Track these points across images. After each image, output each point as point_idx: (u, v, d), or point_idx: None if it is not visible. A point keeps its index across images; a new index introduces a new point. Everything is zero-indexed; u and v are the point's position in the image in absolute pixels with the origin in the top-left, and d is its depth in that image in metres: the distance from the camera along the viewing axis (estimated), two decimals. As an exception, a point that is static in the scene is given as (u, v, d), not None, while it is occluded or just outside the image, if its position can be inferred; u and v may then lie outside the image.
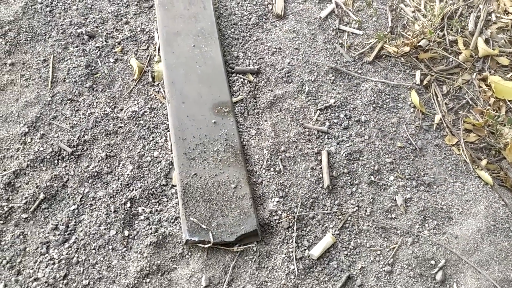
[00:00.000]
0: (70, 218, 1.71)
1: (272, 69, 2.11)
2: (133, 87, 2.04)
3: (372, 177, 1.84)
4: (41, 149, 1.84)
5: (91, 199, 1.75)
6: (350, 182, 1.83)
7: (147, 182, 1.79)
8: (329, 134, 1.94)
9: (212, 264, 1.63)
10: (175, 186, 1.78)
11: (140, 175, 1.81)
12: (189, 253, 1.66)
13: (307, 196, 1.78)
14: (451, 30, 2.25)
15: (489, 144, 1.97)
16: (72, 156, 1.84)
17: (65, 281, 1.59)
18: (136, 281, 1.59)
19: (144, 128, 1.93)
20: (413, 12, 2.35)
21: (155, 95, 2.02)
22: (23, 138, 1.87)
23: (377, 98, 2.05)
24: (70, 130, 1.90)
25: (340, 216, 1.76)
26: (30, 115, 1.92)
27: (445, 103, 2.08)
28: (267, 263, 1.65)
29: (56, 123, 1.91)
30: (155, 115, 1.96)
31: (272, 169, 1.84)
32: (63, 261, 1.62)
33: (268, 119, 1.97)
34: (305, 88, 2.05)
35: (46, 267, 1.61)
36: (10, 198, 1.74)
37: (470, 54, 2.18)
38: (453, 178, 1.88)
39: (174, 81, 1.98)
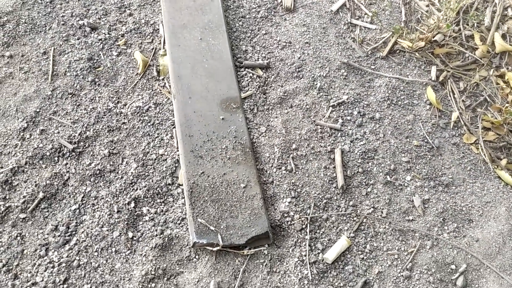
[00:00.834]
0: (71, 219, 1.65)
1: (282, 63, 2.04)
2: (137, 82, 1.98)
3: (388, 177, 1.77)
4: (41, 145, 1.79)
5: (93, 198, 1.70)
6: (365, 182, 1.76)
7: (152, 181, 1.73)
8: (342, 132, 1.87)
9: (221, 268, 1.57)
10: (182, 185, 1.73)
11: (144, 174, 1.75)
12: (197, 257, 1.59)
13: (320, 196, 1.71)
14: (467, 24, 2.18)
15: (509, 143, 1.90)
16: (73, 153, 1.79)
17: (65, 286, 1.53)
18: (140, 286, 1.53)
19: (149, 124, 1.86)
20: (427, 6, 2.28)
21: (160, 90, 1.95)
22: (22, 134, 1.82)
23: (391, 95, 1.98)
24: (71, 126, 1.85)
25: (355, 218, 1.68)
26: (29, 110, 1.87)
27: (462, 100, 2.01)
28: (279, 268, 1.58)
29: (57, 118, 1.87)
30: (160, 111, 1.90)
31: (283, 168, 1.77)
32: (63, 264, 1.56)
33: (279, 116, 1.90)
34: (316, 84, 1.98)
35: (45, 271, 1.55)
36: (7, 197, 1.68)
37: (487, 50, 2.12)
38: (472, 178, 1.80)
39: (180, 75, 1.90)
